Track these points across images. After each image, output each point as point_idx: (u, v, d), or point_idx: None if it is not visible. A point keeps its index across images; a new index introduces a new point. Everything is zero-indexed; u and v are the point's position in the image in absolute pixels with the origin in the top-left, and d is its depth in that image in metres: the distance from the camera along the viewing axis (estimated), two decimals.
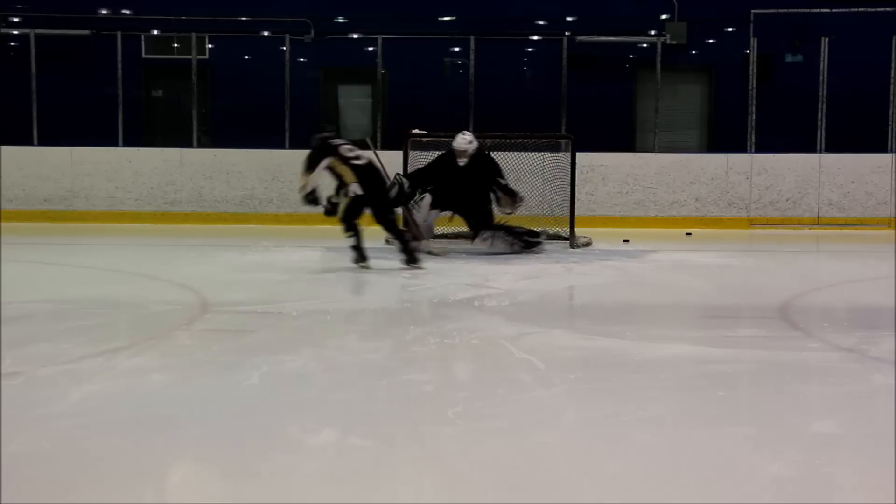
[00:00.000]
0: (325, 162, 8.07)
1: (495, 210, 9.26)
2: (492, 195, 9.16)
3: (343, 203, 8.22)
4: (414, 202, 9.16)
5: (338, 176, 8.16)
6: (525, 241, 9.23)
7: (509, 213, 9.30)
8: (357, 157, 8.19)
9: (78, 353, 4.92)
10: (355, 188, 8.14)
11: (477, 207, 9.16)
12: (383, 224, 8.45)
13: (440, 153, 9.41)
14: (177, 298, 6.73)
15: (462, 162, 9.04)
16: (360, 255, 8.32)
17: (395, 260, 8.74)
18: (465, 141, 9.05)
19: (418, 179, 9.25)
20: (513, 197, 9.13)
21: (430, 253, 8.88)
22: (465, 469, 3.22)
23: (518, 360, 4.85)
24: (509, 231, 9.20)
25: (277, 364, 4.68)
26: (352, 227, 8.25)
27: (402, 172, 9.49)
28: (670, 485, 3.13)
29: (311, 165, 8.10)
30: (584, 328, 5.71)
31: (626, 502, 2.99)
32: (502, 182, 9.13)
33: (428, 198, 9.12)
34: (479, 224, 9.13)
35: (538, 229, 9.72)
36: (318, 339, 5.35)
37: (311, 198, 8.16)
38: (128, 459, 3.31)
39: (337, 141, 8.32)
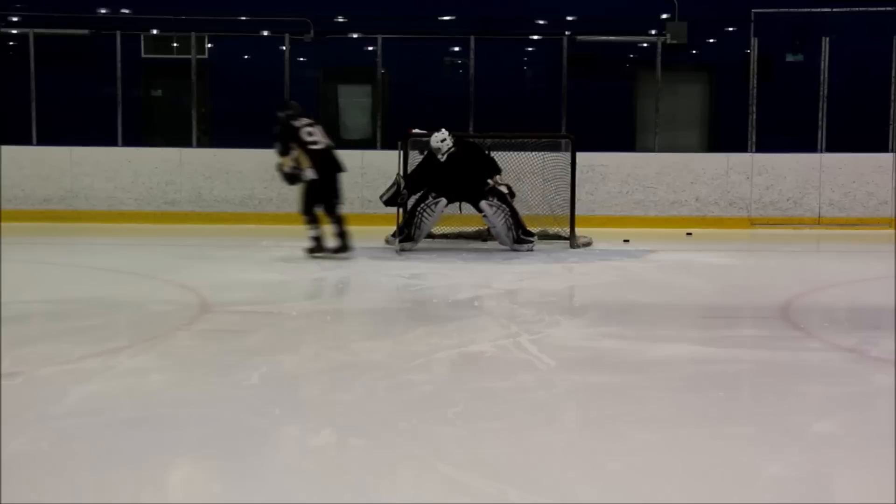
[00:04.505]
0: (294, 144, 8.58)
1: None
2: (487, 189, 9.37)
3: (301, 190, 8.61)
4: (428, 205, 9.31)
5: (294, 159, 8.61)
6: (520, 234, 9.42)
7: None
8: (315, 142, 8.55)
9: (78, 353, 4.92)
10: (310, 173, 8.51)
11: (475, 189, 9.35)
12: (329, 211, 8.66)
13: (424, 154, 9.69)
14: (177, 298, 6.73)
15: (442, 158, 9.32)
16: (318, 246, 8.54)
17: (395, 260, 8.75)
18: (437, 140, 9.33)
19: (413, 182, 9.49)
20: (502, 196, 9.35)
21: (403, 250, 9.15)
22: (465, 469, 3.21)
23: (518, 359, 4.85)
24: (514, 214, 9.38)
25: (277, 364, 4.68)
26: (312, 216, 8.56)
27: (401, 173, 9.63)
28: (670, 485, 3.12)
29: (284, 149, 8.60)
30: (584, 328, 5.71)
31: (626, 502, 2.99)
32: (490, 184, 9.30)
33: (443, 202, 9.32)
34: (483, 195, 9.28)
35: (535, 229, 9.75)
36: (318, 339, 5.35)
37: (291, 176, 8.67)
38: (128, 459, 3.31)
39: (299, 122, 8.63)
